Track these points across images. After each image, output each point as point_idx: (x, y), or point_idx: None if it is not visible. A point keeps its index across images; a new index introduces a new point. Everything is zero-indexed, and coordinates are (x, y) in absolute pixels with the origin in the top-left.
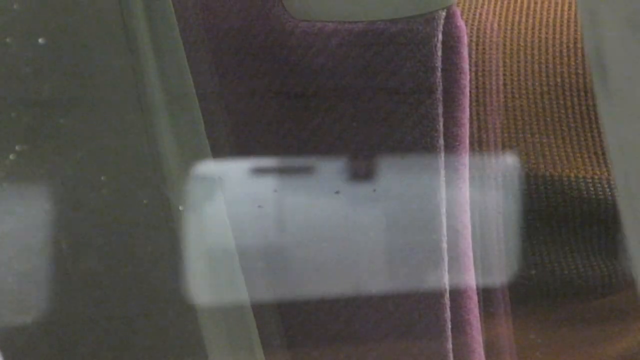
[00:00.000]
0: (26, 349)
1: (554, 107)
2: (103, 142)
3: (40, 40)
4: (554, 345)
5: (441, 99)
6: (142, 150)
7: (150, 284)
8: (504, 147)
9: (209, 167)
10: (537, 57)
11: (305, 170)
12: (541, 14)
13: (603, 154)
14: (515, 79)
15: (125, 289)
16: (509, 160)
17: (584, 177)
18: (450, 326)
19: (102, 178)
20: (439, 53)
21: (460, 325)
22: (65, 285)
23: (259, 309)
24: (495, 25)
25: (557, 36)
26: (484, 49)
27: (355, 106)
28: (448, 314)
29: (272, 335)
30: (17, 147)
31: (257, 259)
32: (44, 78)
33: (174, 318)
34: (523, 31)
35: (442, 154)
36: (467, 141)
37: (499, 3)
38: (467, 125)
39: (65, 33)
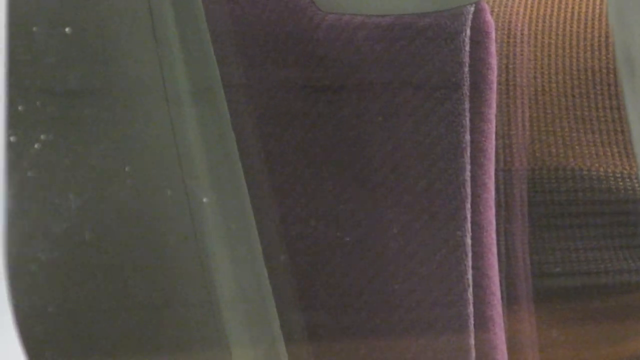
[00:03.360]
0: (48, 338)
1: (584, 102)
2: (128, 133)
3: (67, 30)
4: (576, 342)
5: (468, 94)
6: (167, 141)
7: (173, 276)
8: (533, 141)
9: (233, 158)
10: (567, 51)
11: (331, 163)
12: (572, 7)
13: (633, 149)
14: (546, 72)
15: (148, 280)
16: (537, 155)
17: (614, 172)
18: (473, 322)
19: (127, 169)
20: (467, 48)
21: (483, 321)
22: (88, 274)
23: (281, 302)
24: (526, 19)
25: (589, 30)
26: (514, 42)
27: (381, 100)
28: (471, 309)
29: (294, 328)
30: (42, 137)
31: (281, 251)
32: (69, 68)
33: (197, 309)
34: (554, 25)
35: (468, 150)
36: (494, 137)
37: None
38: (494, 121)
39: (92, 23)
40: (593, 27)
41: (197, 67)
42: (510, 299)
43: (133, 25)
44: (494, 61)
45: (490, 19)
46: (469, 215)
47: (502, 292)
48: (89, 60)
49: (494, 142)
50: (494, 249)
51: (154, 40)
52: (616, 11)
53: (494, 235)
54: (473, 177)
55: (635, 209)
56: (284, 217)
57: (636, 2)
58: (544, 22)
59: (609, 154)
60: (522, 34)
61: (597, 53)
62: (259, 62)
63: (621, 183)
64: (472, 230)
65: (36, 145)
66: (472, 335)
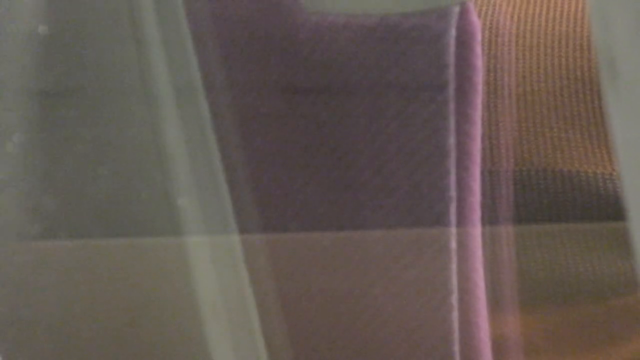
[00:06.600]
0: (25, 347)
1: (573, 102)
2: (105, 134)
3: (44, 29)
4: (561, 348)
5: (453, 96)
6: (147, 142)
7: (153, 278)
8: (521, 142)
9: (216, 160)
10: (556, 51)
11: (313, 166)
12: (561, 6)
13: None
14: (535, 72)
15: (126, 281)
16: (525, 156)
17: (602, 173)
18: (457, 328)
19: (104, 171)
20: (452, 49)
21: (467, 327)
22: (65, 280)
23: (263, 306)
24: (514, 18)
25: (578, 29)
26: (502, 41)
27: (365, 102)
28: (455, 315)
29: (276, 336)
30: (17, 137)
31: (262, 257)
32: (46, 67)
33: (177, 318)
34: (543, 24)
35: (453, 153)
36: (480, 139)
37: None
38: (479, 123)
39: (70, 22)
40: (582, 26)
41: (177, 67)
42: (495, 304)
43: (112, 25)
44: (479, 62)
45: (476, 19)
46: (453, 219)
47: (487, 297)
48: (67, 60)
49: (479, 144)
50: (479, 253)
51: (134, 41)
52: (597, 11)
53: (479, 239)
54: (458, 181)
55: (624, 210)
56: (265, 221)
57: (618, 2)
58: (532, 21)
59: (598, 154)
60: (509, 34)
61: (586, 52)
62: (241, 62)
63: (610, 184)
64: (457, 234)
65: (11, 146)
66: (457, 341)
